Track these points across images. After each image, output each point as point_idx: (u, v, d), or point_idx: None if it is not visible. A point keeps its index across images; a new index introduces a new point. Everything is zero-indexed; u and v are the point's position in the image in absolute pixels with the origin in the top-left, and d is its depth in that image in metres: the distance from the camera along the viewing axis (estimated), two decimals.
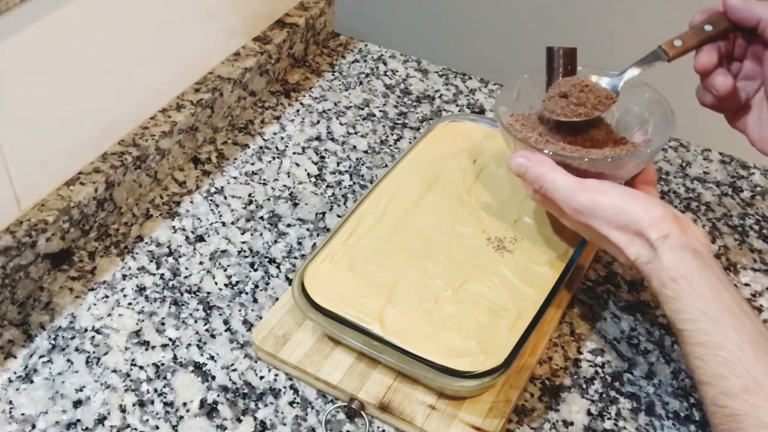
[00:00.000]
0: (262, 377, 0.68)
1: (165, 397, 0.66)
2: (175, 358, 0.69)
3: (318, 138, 0.92)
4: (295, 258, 0.78)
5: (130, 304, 0.73)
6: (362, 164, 0.89)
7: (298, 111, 0.96)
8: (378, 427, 0.65)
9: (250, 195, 0.85)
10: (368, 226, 0.72)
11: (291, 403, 0.66)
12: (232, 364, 0.69)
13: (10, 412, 0.64)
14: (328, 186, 0.86)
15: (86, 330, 0.71)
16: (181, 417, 0.65)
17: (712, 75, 0.66)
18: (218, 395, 0.66)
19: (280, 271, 0.76)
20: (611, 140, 0.70)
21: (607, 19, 1.26)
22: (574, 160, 0.65)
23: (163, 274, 0.76)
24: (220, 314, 0.73)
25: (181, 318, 0.72)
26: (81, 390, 0.66)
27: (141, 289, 0.74)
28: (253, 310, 0.73)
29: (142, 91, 0.83)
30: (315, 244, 0.79)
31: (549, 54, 0.70)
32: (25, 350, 0.69)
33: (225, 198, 0.84)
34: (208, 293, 0.74)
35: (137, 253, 0.78)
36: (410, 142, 0.91)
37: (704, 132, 0.96)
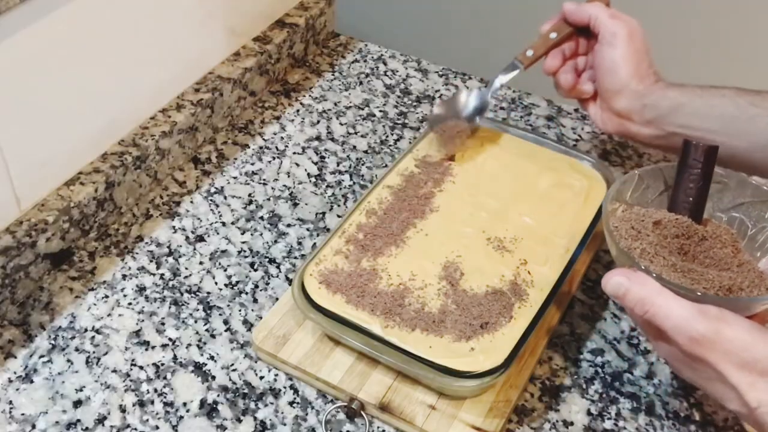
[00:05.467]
0: (262, 377, 0.68)
1: (165, 397, 0.66)
2: (175, 358, 0.69)
3: (318, 138, 0.92)
4: (295, 258, 0.78)
5: (130, 304, 0.73)
6: (362, 164, 0.89)
7: (298, 111, 0.96)
8: (378, 427, 0.65)
9: (250, 195, 0.85)
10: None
11: (291, 403, 0.66)
12: (232, 364, 0.69)
13: (10, 412, 0.64)
14: (328, 186, 0.86)
15: (86, 330, 0.71)
16: (181, 417, 0.65)
17: (558, 74, 0.78)
18: (218, 395, 0.66)
19: (280, 271, 0.76)
20: (735, 262, 0.61)
21: None
22: (683, 291, 0.55)
23: (163, 274, 0.76)
24: (220, 314, 0.73)
25: (181, 318, 0.72)
26: (81, 390, 0.66)
27: (141, 289, 0.74)
28: (253, 310, 0.73)
29: (142, 91, 0.83)
30: (315, 244, 0.79)
31: (686, 148, 0.64)
32: (25, 350, 0.69)
33: (225, 198, 0.84)
34: (208, 293, 0.74)
35: (137, 253, 0.78)
36: (410, 142, 0.91)
37: None
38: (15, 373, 0.67)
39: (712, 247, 0.62)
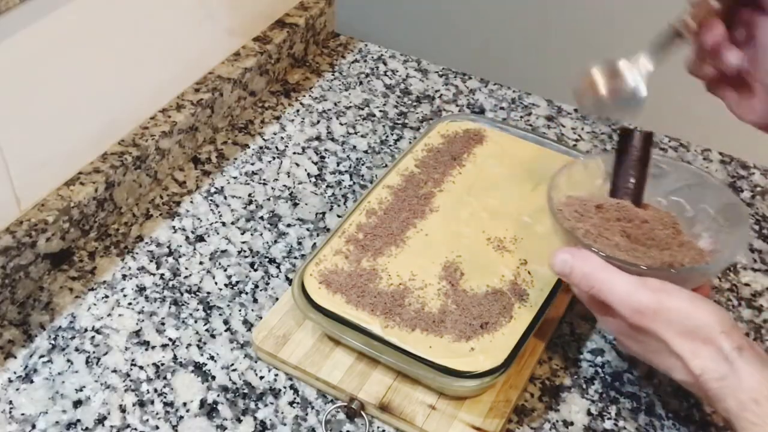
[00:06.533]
0: (262, 377, 0.68)
1: (165, 397, 0.66)
2: (175, 358, 0.69)
3: (318, 138, 0.92)
4: (295, 258, 0.78)
5: (130, 304, 0.73)
6: (362, 164, 0.89)
7: (298, 111, 0.96)
8: (378, 427, 0.65)
9: (250, 195, 0.85)
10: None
11: (291, 403, 0.66)
12: (232, 364, 0.69)
13: (10, 412, 0.64)
14: (328, 186, 0.86)
15: (86, 330, 0.71)
16: (181, 417, 0.65)
17: (724, 51, 0.62)
18: (218, 395, 0.66)
19: (280, 271, 0.77)
20: (676, 242, 0.63)
21: (608, 18, 1.26)
22: (627, 266, 0.57)
23: (163, 274, 0.76)
24: (220, 314, 0.73)
25: (181, 318, 0.72)
26: (81, 390, 0.66)
27: (141, 289, 0.74)
28: (253, 310, 0.73)
29: (142, 91, 0.83)
30: (315, 244, 0.79)
31: (623, 136, 0.65)
32: (25, 350, 0.69)
33: (225, 198, 0.84)
34: (208, 293, 0.74)
35: (137, 253, 0.78)
36: (410, 142, 0.91)
37: (704, 132, 0.96)
38: (15, 373, 0.67)
39: (653, 228, 0.63)
